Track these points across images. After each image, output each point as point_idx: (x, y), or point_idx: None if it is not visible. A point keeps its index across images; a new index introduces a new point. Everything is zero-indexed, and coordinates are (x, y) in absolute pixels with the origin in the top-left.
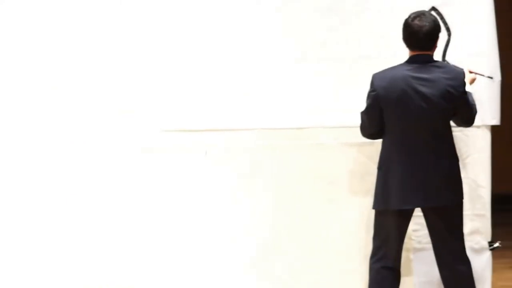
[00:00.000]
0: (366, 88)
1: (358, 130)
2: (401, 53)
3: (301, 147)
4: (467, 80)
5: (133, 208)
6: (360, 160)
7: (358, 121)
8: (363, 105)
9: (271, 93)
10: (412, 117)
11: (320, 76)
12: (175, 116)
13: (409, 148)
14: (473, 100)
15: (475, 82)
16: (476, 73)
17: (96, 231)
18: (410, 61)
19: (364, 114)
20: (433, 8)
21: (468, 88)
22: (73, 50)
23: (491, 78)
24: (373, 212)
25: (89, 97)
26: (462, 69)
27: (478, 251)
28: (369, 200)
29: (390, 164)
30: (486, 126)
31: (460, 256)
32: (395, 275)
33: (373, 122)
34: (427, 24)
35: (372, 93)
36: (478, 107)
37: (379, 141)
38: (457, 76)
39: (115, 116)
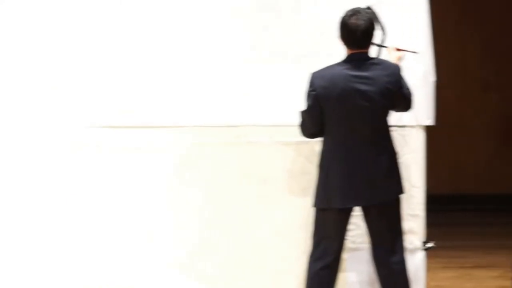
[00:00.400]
0: (302, 86)
1: (293, 129)
2: (337, 51)
3: (235, 145)
4: (394, 58)
5: (62, 206)
6: (295, 159)
7: (293, 119)
8: (299, 104)
9: (205, 91)
10: (353, 116)
11: (256, 74)
12: (106, 112)
13: (351, 146)
14: (407, 84)
15: (403, 59)
16: (402, 50)
17: (23, 229)
18: (348, 59)
19: (305, 113)
20: (368, 7)
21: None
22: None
23: (416, 52)
24: (308, 211)
25: (24, 94)
26: (397, 65)
27: (412, 251)
28: (304, 199)
29: (331, 163)
30: (420, 126)
31: (397, 255)
32: (333, 274)
33: (314, 122)
34: (363, 22)
35: (312, 93)
36: (412, 107)
37: (315, 140)
38: (394, 72)
39: (46, 110)
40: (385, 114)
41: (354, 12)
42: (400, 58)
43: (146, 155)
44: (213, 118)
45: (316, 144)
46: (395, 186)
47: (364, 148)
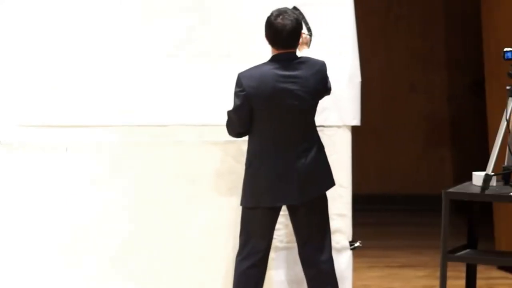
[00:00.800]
0: (229, 86)
1: (221, 129)
2: (260, 51)
3: (164, 144)
4: (299, 46)
5: None
6: (223, 158)
7: (221, 119)
8: (226, 103)
9: (134, 90)
10: (282, 115)
11: (184, 74)
12: (35, 111)
13: (279, 145)
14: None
15: (307, 41)
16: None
17: None
18: (275, 59)
19: (233, 113)
20: (295, 8)
21: (306, 52)
22: None
23: (311, 34)
24: (236, 211)
25: None
26: (322, 61)
27: (339, 250)
28: (232, 199)
29: (259, 162)
30: (346, 126)
31: (325, 254)
32: (260, 273)
33: (242, 122)
34: (290, 22)
35: (242, 93)
36: (339, 107)
37: (242, 139)
38: (321, 69)
39: None
40: (313, 113)
41: (281, 12)
42: (305, 43)
43: (75, 154)
44: (142, 117)
45: (243, 144)
46: (324, 182)
47: (293, 146)
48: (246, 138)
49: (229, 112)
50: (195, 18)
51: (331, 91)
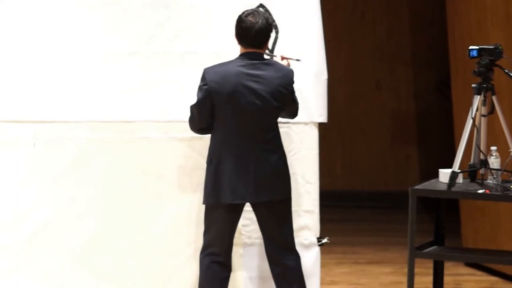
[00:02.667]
0: (194, 82)
1: (187, 125)
2: (226, 48)
3: (130, 140)
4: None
5: None
6: (190, 154)
7: (187, 116)
8: (192, 100)
9: (99, 86)
10: (243, 113)
11: (149, 70)
12: (2, 107)
13: (240, 143)
14: (294, 92)
15: (290, 67)
16: (287, 58)
17: None
18: (242, 57)
19: (195, 107)
20: (261, 5)
21: None
22: None
23: (299, 60)
24: (202, 207)
25: None
26: (290, 68)
27: (307, 246)
28: (198, 195)
29: (220, 159)
30: (313, 123)
31: (290, 252)
32: (225, 270)
33: (203, 117)
34: (260, 21)
35: (204, 87)
36: (305, 104)
37: (209, 136)
38: (287, 75)
39: None
40: (276, 115)
41: (252, 12)
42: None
43: (42, 149)
44: (108, 113)
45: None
46: (283, 186)
47: (254, 145)
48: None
49: (191, 107)
50: (161, 14)
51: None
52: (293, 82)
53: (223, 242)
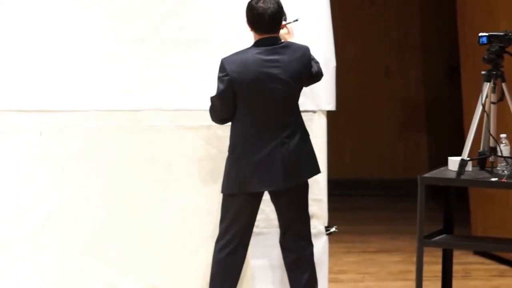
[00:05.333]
0: (203, 71)
1: (195, 113)
2: (234, 36)
3: (137, 129)
4: (284, 36)
5: None
6: (197, 143)
7: (195, 104)
8: (200, 88)
9: (107, 75)
10: (266, 100)
11: (157, 58)
12: (9, 96)
13: (264, 130)
14: (313, 57)
15: (292, 31)
16: (285, 25)
17: None
18: (257, 44)
19: (217, 99)
20: None
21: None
22: None
23: (297, 20)
24: (211, 196)
25: None
26: (305, 46)
27: (315, 235)
28: (206, 183)
29: (244, 147)
30: (322, 111)
31: (306, 240)
32: (239, 261)
33: (226, 107)
34: (271, 6)
35: (225, 78)
36: (313, 92)
37: (216, 125)
38: (304, 53)
39: None
40: (297, 97)
41: None
42: (289, 33)
43: (49, 139)
44: (115, 102)
45: (218, 129)
46: (309, 168)
47: (278, 131)
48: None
49: (212, 98)
50: (169, 3)
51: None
52: (310, 59)
53: (241, 231)
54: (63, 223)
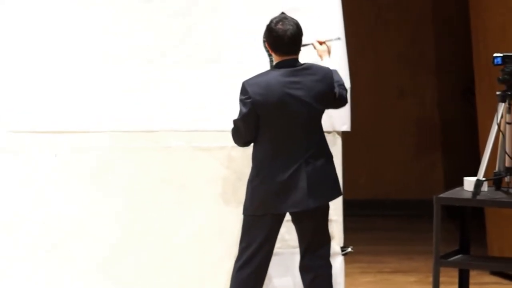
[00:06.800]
0: (217, 91)
1: (210, 134)
2: (248, 57)
3: (152, 150)
4: (322, 52)
5: None
6: (212, 164)
7: (210, 125)
8: (215, 109)
9: (122, 96)
10: (290, 121)
11: (172, 79)
12: (25, 117)
13: (288, 152)
14: (339, 77)
15: (331, 50)
16: (325, 42)
17: None
18: (279, 66)
19: (240, 121)
20: (283, 13)
21: (327, 61)
22: None
23: (339, 38)
24: (225, 216)
25: None
26: (327, 68)
27: (331, 256)
28: (221, 204)
29: (268, 169)
30: (337, 132)
31: (325, 260)
32: (258, 281)
33: (249, 130)
34: (290, 27)
35: (248, 100)
36: (329, 113)
37: (231, 145)
38: (326, 75)
39: None
40: (320, 118)
41: (281, 19)
42: (327, 51)
43: (64, 160)
44: (131, 123)
45: (232, 150)
46: (332, 191)
47: (302, 152)
48: (234, 144)
49: (235, 121)
50: (183, 24)
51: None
52: (332, 80)
53: (262, 251)
54: (78, 243)
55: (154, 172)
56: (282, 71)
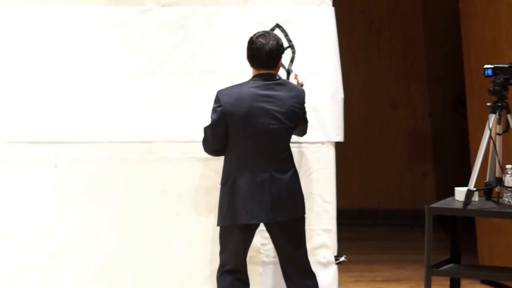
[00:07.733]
0: (210, 102)
1: None
2: (242, 69)
3: (149, 160)
4: (299, 83)
5: None
6: (207, 174)
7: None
8: (208, 120)
9: (119, 107)
10: (258, 134)
11: (167, 91)
12: (23, 128)
13: (254, 164)
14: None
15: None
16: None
17: None
18: (255, 78)
19: (209, 129)
20: (277, 25)
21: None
22: None
23: (302, 85)
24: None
25: None
26: (302, 88)
27: (325, 265)
28: (215, 214)
29: (235, 180)
30: (330, 142)
31: (306, 271)
32: (245, 286)
33: (217, 138)
34: (270, 42)
35: (219, 109)
36: (322, 124)
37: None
38: (299, 94)
39: None
40: (289, 134)
41: (263, 33)
42: (301, 84)
43: (62, 170)
44: (128, 134)
45: None
46: (297, 205)
47: (268, 165)
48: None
49: (205, 128)
50: (178, 36)
51: (307, 124)
52: (305, 101)
53: (239, 260)
54: (75, 253)
55: (151, 182)
56: (257, 83)
